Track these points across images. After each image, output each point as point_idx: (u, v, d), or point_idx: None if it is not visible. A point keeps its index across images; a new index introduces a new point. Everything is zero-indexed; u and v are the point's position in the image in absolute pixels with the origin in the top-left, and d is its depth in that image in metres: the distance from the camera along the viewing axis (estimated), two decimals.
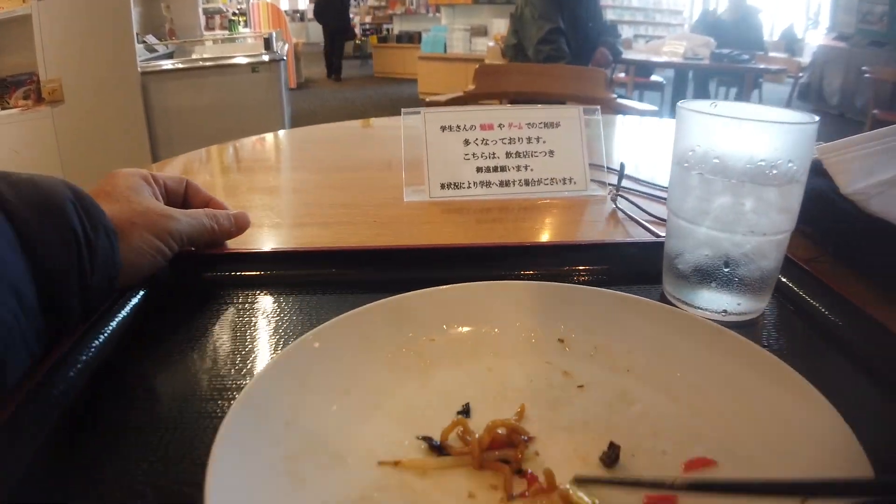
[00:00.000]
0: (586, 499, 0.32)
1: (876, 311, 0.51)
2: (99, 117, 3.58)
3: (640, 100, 6.64)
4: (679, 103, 0.52)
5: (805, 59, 8.73)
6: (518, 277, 0.60)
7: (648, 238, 0.72)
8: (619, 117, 1.80)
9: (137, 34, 3.68)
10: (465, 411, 0.39)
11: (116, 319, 0.51)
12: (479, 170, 0.86)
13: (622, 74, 6.34)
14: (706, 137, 0.49)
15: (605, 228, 0.78)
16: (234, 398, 0.43)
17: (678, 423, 0.39)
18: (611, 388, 0.42)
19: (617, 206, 0.82)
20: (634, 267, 0.62)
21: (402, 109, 0.87)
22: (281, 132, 1.57)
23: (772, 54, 6.86)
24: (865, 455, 0.33)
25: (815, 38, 10.40)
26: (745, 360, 0.41)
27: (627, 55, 5.27)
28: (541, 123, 0.87)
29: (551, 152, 0.86)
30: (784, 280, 0.58)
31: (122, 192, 0.58)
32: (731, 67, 5.18)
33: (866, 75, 5.59)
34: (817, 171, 0.69)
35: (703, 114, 0.49)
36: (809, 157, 0.49)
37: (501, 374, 0.43)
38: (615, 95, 2.19)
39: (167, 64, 3.94)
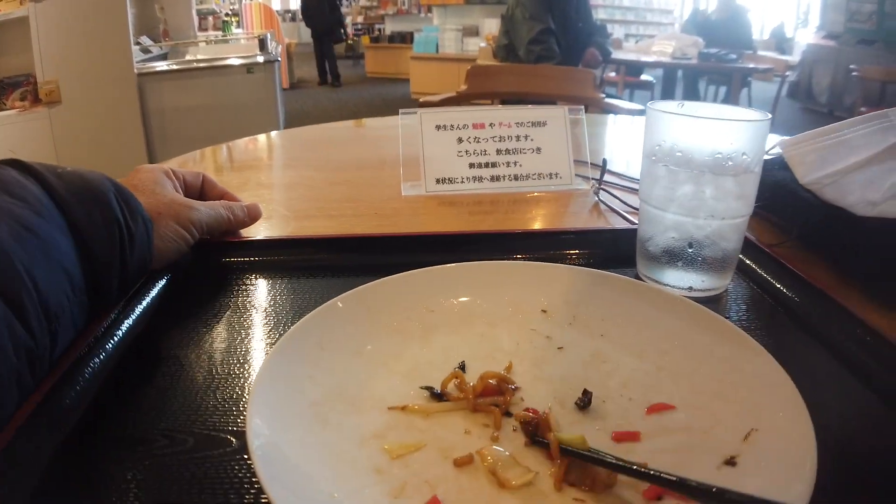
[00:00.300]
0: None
1: (833, 287, 0.57)
2: (96, 118, 3.60)
3: (631, 98, 6.71)
4: (648, 104, 0.58)
5: (795, 57, 8.81)
6: (507, 260, 0.66)
7: (625, 226, 0.79)
8: (611, 116, 1.86)
9: (132, 35, 3.71)
10: (461, 368, 0.46)
11: (147, 299, 0.57)
12: (471, 166, 0.92)
13: (613, 74, 6.41)
14: (671, 134, 0.56)
15: (588, 218, 0.84)
16: (256, 364, 0.49)
17: (643, 377, 0.45)
18: (586, 349, 0.49)
19: (599, 199, 0.88)
20: (612, 251, 0.69)
21: (400, 110, 0.94)
22: (281, 132, 1.63)
23: (762, 53, 6.95)
24: (803, 400, 0.39)
25: (805, 36, 10.48)
26: (702, 324, 0.48)
27: (617, 55, 5.34)
28: (529, 122, 0.93)
29: (538, 149, 0.93)
30: (747, 261, 0.65)
31: (148, 185, 0.64)
32: (718, 67, 5.26)
33: (854, 73, 5.67)
34: (781, 164, 0.76)
35: (669, 113, 0.56)
36: (762, 150, 0.55)
37: (492, 338, 0.50)
38: (604, 95, 2.25)
39: (163, 65, 3.97)
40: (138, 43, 4.13)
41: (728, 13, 6.76)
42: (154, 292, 0.59)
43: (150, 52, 4.29)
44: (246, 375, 0.48)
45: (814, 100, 8.31)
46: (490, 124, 0.93)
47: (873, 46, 7.32)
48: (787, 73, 5.54)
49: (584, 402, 0.42)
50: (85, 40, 3.48)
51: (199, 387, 0.47)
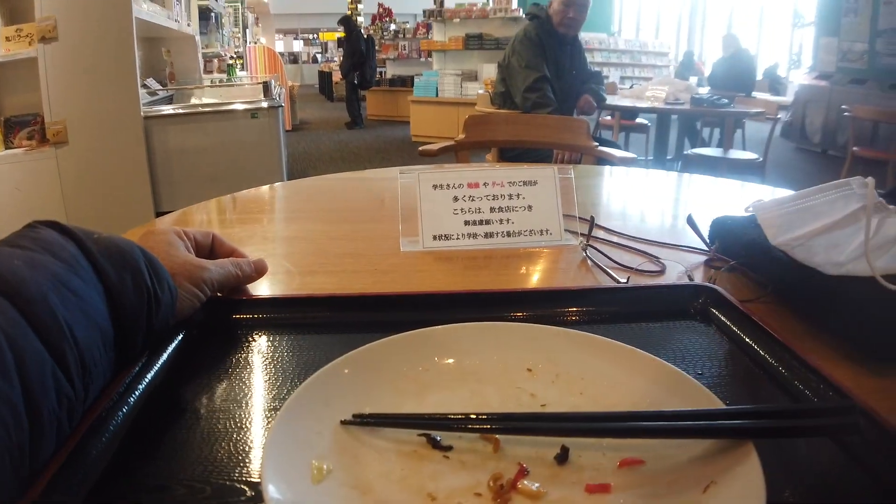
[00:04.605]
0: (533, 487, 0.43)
1: (803, 341, 0.62)
2: (102, 159, 3.66)
3: (627, 141, 6.85)
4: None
5: (788, 97, 8.96)
6: (498, 319, 0.71)
7: (610, 283, 0.84)
8: (607, 168, 1.91)
9: (139, 78, 3.79)
10: None
11: (165, 355, 0.62)
12: (466, 223, 0.98)
13: (608, 117, 6.53)
14: None
15: (576, 274, 0.90)
16: (266, 417, 0.54)
17: None
18: (567, 406, 0.53)
19: (586, 255, 0.94)
20: (597, 308, 0.74)
21: (399, 169, 1.00)
22: (284, 183, 1.68)
23: (755, 94, 7.09)
24: (756, 455, 0.43)
25: (798, 76, 10.69)
26: (668, 382, 0.52)
27: (612, 100, 5.44)
28: (521, 182, 0.99)
29: (530, 207, 0.99)
30: (721, 316, 0.70)
31: (163, 247, 0.69)
32: (709, 111, 5.35)
33: (846, 113, 5.77)
34: (757, 223, 0.82)
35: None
36: None
37: (481, 395, 0.55)
38: (597, 144, 2.32)
39: (169, 108, 4.06)
40: (145, 86, 4.23)
41: (731, 51, 7.10)
42: (171, 347, 0.64)
43: (156, 94, 4.38)
44: (257, 428, 0.52)
45: (807, 139, 8.45)
46: (484, 183, 0.98)
47: (865, 85, 7.47)
48: (779, 116, 5.63)
49: (562, 457, 0.46)
50: (93, 82, 3.56)
51: (213, 438, 0.51)
